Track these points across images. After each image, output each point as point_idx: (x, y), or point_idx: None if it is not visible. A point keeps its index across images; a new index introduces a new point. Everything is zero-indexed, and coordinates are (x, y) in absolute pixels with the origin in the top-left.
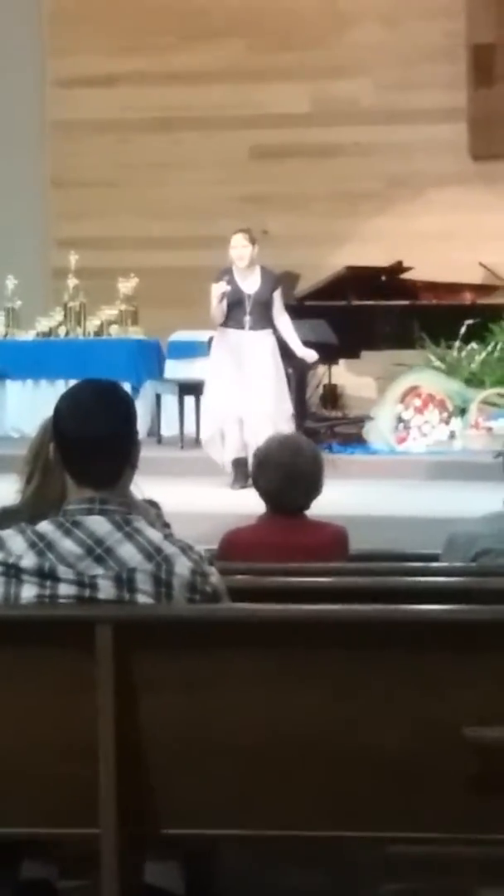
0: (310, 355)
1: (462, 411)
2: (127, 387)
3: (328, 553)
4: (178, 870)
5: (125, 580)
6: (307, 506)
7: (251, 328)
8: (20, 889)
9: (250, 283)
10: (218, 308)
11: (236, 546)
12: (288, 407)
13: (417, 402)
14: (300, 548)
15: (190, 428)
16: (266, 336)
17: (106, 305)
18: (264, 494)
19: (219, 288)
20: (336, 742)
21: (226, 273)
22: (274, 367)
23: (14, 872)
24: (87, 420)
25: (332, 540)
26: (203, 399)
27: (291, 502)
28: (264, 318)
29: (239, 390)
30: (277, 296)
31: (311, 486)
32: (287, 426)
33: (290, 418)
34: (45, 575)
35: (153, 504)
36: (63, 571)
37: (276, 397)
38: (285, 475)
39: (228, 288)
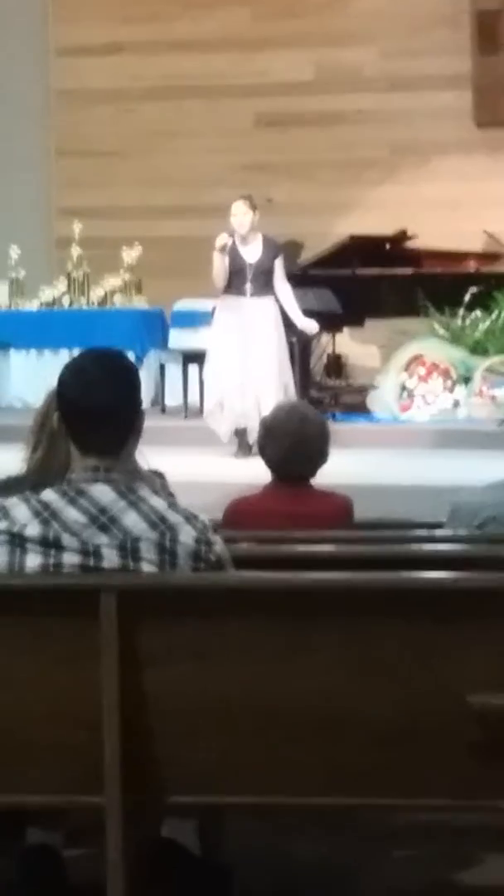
0: (310, 326)
1: (466, 380)
2: (131, 356)
3: (333, 522)
4: (195, 828)
5: (129, 549)
6: (313, 474)
7: (252, 295)
8: (25, 855)
9: (251, 251)
10: (220, 263)
11: (242, 514)
12: (289, 377)
13: (421, 371)
14: (305, 517)
15: (194, 397)
16: (269, 303)
17: (110, 275)
18: (271, 462)
19: (220, 240)
20: (341, 709)
21: (229, 237)
22: (276, 335)
23: (19, 839)
24: (91, 389)
25: (337, 509)
26: (205, 369)
27: (298, 470)
28: (266, 286)
29: (241, 358)
30: (279, 264)
31: (318, 454)
32: (286, 395)
33: (290, 387)
34: (50, 544)
35: (158, 474)
36: (67, 540)
37: (278, 366)
38: (293, 443)
39: (230, 240)
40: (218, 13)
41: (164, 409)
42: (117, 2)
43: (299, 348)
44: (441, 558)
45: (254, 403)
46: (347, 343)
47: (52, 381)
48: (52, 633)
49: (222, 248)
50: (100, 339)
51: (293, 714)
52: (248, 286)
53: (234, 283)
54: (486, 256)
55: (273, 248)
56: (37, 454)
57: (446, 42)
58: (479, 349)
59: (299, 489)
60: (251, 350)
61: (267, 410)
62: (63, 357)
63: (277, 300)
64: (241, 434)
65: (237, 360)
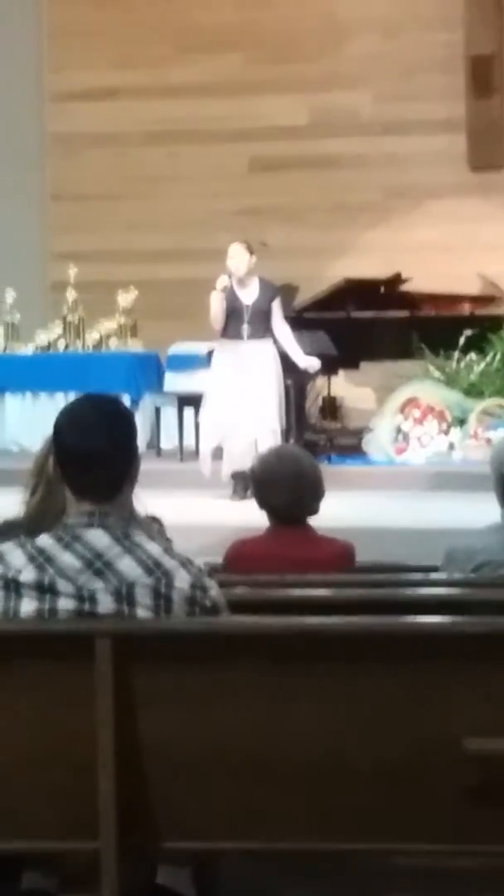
0: (312, 364)
1: (461, 422)
2: (126, 400)
3: (335, 568)
4: (190, 875)
5: (124, 594)
6: (317, 511)
7: (250, 337)
8: None
9: (248, 293)
10: (218, 305)
11: (244, 557)
12: (283, 419)
13: (416, 413)
14: (307, 562)
15: (189, 440)
16: (266, 346)
17: (105, 318)
18: (272, 510)
19: (221, 282)
20: (336, 754)
21: (228, 279)
22: (275, 378)
23: (14, 884)
24: (87, 434)
25: (339, 555)
26: (201, 412)
27: (303, 512)
28: (263, 328)
29: (239, 402)
30: (276, 305)
31: (319, 491)
32: (274, 439)
33: (280, 431)
34: (45, 589)
35: (155, 520)
36: (62, 585)
37: (277, 408)
38: (292, 487)
39: (229, 282)
40: (212, 58)
41: (159, 452)
42: (111, 47)
43: (295, 390)
44: (436, 602)
45: (251, 446)
46: (343, 385)
47: (47, 425)
48: (46, 678)
49: (223, 289)
50: (95, 383)
51: (288, 759)
52: (246, 328)
53: (231, 325)
54: (481, 299)
55: (270, 290)
56: (34, 498)
57: (440, 86)
58: (474, 391)
59: (301, 533)
60: (248, 393)
61: None
62: (59, 400)
63: (276, 342)
64: (237, 477)
65: (234, 403)
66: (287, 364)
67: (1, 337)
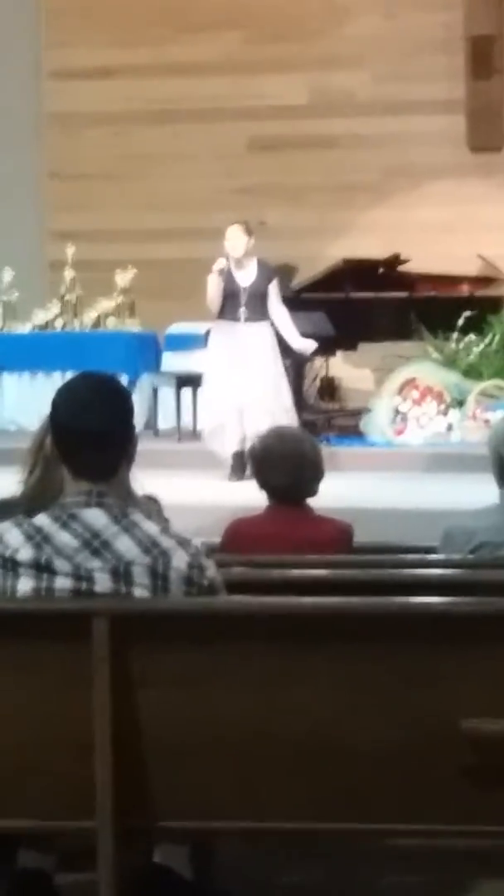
0: (307, 346)
1: (460, 403)
2: (124, 379)
3: (333, 548)
4: (187, 854)
5: (122, 573)
6: (316, 492)
7: (247, 320)
8: (17, 879)
9: (246, 275)
10: (215, 287)
11: (243, 536)
12: (286, 399)
13: (415, 394)
14: (306, 541)
15: (187, 420)
16: (264, 328)
17: (103, 298)
18: (272, 489)
19: (219, 264)
20: (333, 734)
21: (225, 261)
22: (273, 359)
23: (11, 863)
24: (84, 413)
25: (337, 534)
26: (202, 392)
27: (304, 492)
28: (260, 310)
29: (237, 382)
30: (273, 287)
31: (319, 472)
32: (286, 418)
33: (289, 410)
34: (42, 568)
35: (153, 500)
36: (60, 564)
37: (274, 389)
38: (293, 467)
39: (226, 264)
40: (211, 37)
41: (157, 433)
42: (110, 25)
43: (293, 372)
44: (434, 583)
45: (251, 427)
46: (341, 366)
47: (45, 404)
48: (43, 658)
49: (221, 271)
50: (93, 362)
51: (285, 739)
52: (243, 310)
53: (229, 307)
54: (480, 280)
55: (267, 271)
56: (32, 477)
57: (440, 67)
58: (472, 373)
59: (300, 513)
60: (247, 375)
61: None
62: (56, 380)
63: (273, 324)
64: (236, 457)
65: (234, 383)
66: (285, 346)
67: None
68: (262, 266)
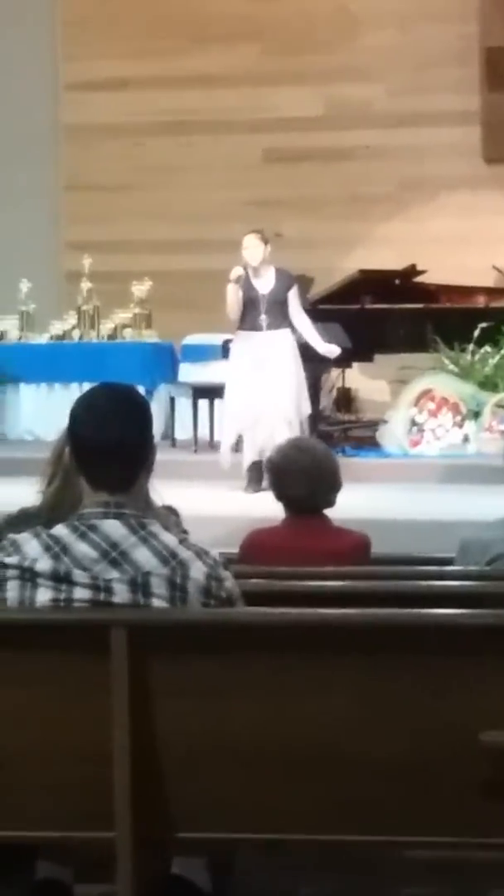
0: (332, 350)
1: (476, 415)
2: (141, 390)
3: (350, 559)
4: (205, 865)
5: (140, 584)
6: (334, 503)
7: (268, 328)
8: (36, 890)
9: (264, 283)
10: (234, 296)
11: (260, 548)
12: (307, 408)
13: (431, 406)
14: (323, 553)
15: (204, 431)
16: (284, 336)
17: (119, 309)
18: (289, 501)
19: (235, 272)
20: (350, 746)
21: (242, 269)
22: (294, 367)
23: (30, 873)
24: (103, 424)
25: (355, 546)
26: (222, 404)
27: (320, 503)
28: (280, 318)
29: (258, 392)
30: (293, 294)
31: (336, 484)
32: (303, 427)
33: (307, 419)
34: (61, 578)
35: (172, 510)
36: (78, 575)
37: (296, 398)
38: (310, 478)
39: (243, 273)
40: (226, 49)
41: (174, 443)
42: (126, 37)
43: (310, 382)
44: (452, 595)
45: (269, 437)
46: (357, 378)
47: (62, 415)
48: (62, 668)
49: (237, 280)
50: (110, 373)
51: (304, 750)
52: (263, 318)
53: (249, 316)
54: (496, 291)
55: (286, 278)
56: (51, 488)
57: (455, 78)
58: (488, 384)
59: (318, 524)
60: (268, 384)
61: None
62: (73, 391)
63: (294, 332)
64: (253, 468)
65: (254, 394)
66: (305, 354)
67: (16, 327)
68: (280, 274)
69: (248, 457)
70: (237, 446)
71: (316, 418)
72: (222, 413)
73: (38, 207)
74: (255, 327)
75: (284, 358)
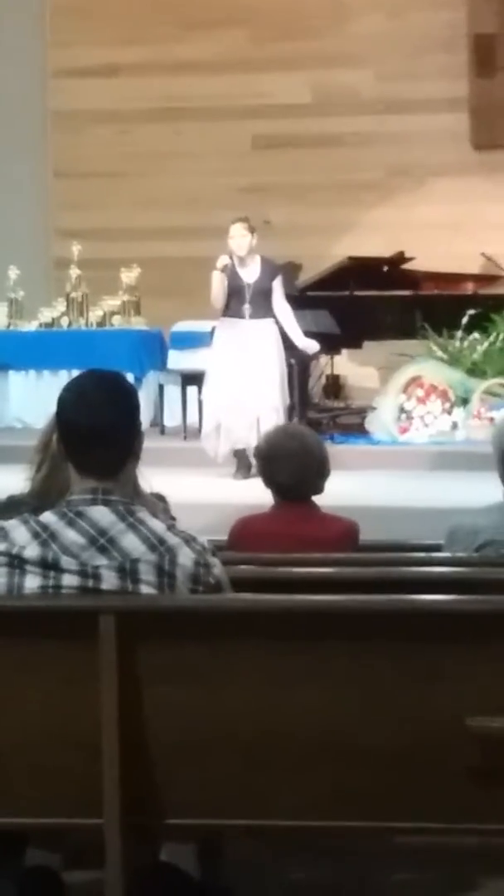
0: (310, 346)
1: (464, 401)
2: (130, 377)
3: (338, 546)
4: (194, 852)
5: (128, 570)
6: (322, 490)
7: (251, 317)
8: (25, 877)
9: (250, 272)
10: (219, 284)
11: (248, 534)
12: (286, 397)
13: (420, 393)
14: (311, 539)
15: (193, 418)
16: (268, 325)
17: (108, 296)
18: (278, 487)
19: (221, 261)
20: (339, 731)
21: (228, 258)
22: (277, 356)
23: (19, 860)
24: (90, 411)
25: (343, 533)
26: (204, 391)
27: (309, 490)
28: (265, 308)
29: (241, 380)
30: (277, 285)
31: (325, 471)
32: (283, 416)
33: (285, 409)
34: (49, 565)
35: (160, 497)
36: (66, 562)
37: (281, 386)
38: (299, 465)
39: (229, 261)
40: (216, 35)
41: (163, 430)
42: (115, 24)
43: (298, 370)
44: (440, 581)
45: (252, 424)
46: (346, 365)
47: (50, 402)
48: (50, 655)
49: (223, 269)
50: (99, 360)
51: (291, 736)
52: (247, 307)
53: (233, 304)
54: (484, 278)
55: (271, 268)
56: (39, 475)
57: (443, 65)
58: (477, 371)
59: (306, 511)
60: (250, 371)
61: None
62: (62, 378)
63: (277, 321)
64: (240, 455)
65: (236, 381)
66: (289, 343)
67: (4, 314)
68: (265, 263)
69: (227, 443)
70: (217, 433)
71: (304, 405)
72: (204, 399)
73: (26, 194)
74: (239, 315)
75: (268, 347)
